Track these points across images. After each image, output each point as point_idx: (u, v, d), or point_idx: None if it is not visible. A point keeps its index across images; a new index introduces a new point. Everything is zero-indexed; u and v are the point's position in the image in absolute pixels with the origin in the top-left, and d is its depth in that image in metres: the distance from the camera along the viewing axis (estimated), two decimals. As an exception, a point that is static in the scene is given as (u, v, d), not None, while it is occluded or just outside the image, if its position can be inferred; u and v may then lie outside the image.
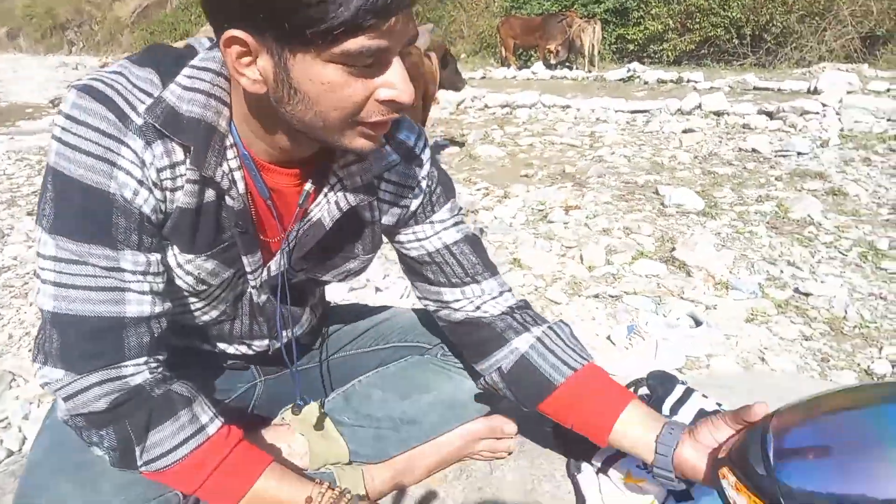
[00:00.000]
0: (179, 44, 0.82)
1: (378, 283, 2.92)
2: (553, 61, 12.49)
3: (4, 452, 1.92)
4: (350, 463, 1.02)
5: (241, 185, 0.79)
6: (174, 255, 0.81)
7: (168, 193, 0.76)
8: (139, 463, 0.77)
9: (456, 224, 0.98)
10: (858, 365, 2.21)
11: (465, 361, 1.05)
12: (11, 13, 34.10)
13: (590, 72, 11.40)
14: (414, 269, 1.00)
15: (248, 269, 0.87)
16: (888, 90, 7.26)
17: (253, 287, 0.90)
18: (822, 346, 2.33)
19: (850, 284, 2.77)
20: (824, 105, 6.34)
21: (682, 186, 4.18)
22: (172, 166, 0.75)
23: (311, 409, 1.02)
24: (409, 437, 1.04)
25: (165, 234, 0.79)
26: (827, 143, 5.23)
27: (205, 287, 0.85)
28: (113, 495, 0.79)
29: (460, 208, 1.01)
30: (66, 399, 0.75)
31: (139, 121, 0.72)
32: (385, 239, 1.00)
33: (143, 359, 0.77)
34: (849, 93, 6.85)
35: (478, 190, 4.58)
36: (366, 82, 0.68)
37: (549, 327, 0.98)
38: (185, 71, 0.75)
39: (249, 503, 0.79)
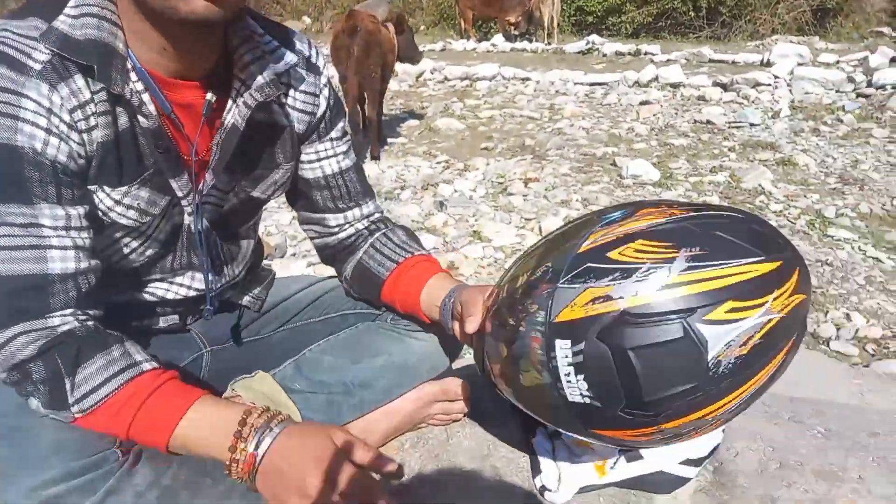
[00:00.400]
0: None
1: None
2: (514, 32, 12.43)
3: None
4: (304, 432, 1.02)
5: (150, 105, 0.79)
6: (107, 195, 0.81)
7: (85, 135, 0.76)
8: (70, 401, 0.74)
9: (348, 149, 1.06)
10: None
11: (413, 321, 1.08)
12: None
13: (549, 44, 11.39)
14: (304, 193, 1.05)
15: (179, 193, 0.87)
16: (837, 62, 7.44)
17: (189, 214, 0.90)
18: (771, 310, 2.41)
19: (799, 251, 2.86)
20: (776, 77, 6.48)
21: (639, 158, 4.24)
22: (82, 106, 0.75)
23: (262, 378, 1.01)
24: (361, 402, 1.04)
25: (92, 176, 0.79)
26: (778, 114, 5.35)
27: (148, 218, 0.85)
28: (49, 453, 0.76)
29: (346, 131, 1.08)
30: None
31: (38, 66, 0.72)
32: None
33: (70, 310, 0.76)
34: (800, 65, 6.99)
35: (438, 163, 4.57)
36: None
37: (384, 233, 1.08)
38: (70, 4, 0.75)
39: (183, 435, 0.74)
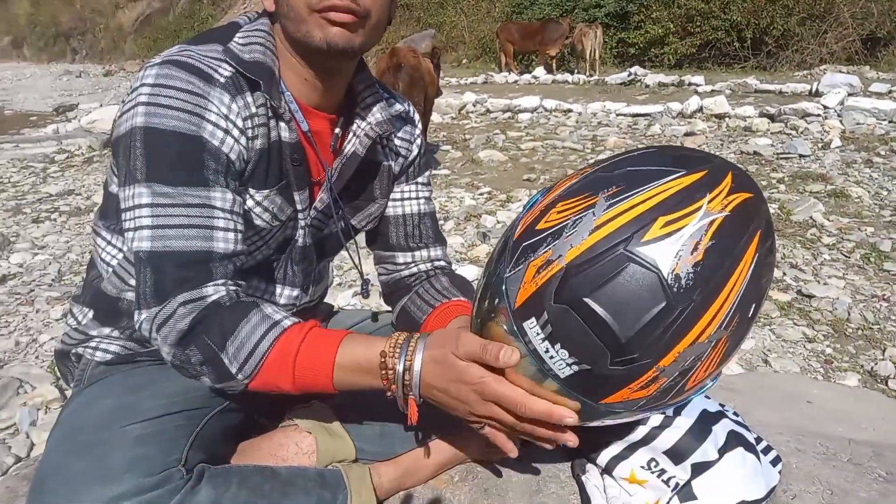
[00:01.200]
0: (222, 21, 0.92)
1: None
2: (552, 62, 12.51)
3: (13, 459, 1.94)
4: (357, 461, 1.03)
5: (293, 122, 0.93)
6: (251, 196, 0.91)
7: (250, 141, 0.88)
8: (234, 372, 0.81)
9: (429, 197, 1.16)
10: (862, 367, 2.22)
11: None
12: (15, 22, 34.32)
13: (591, 76, 11.43)
14: (382, 229, 1.14)
15: (298, 206, 0.97)
16: (890, 92, 7.27)
17: (302, 226, 0.99)
18: (825, 348, 2.34)
19: (853, 286, 2.78)
20: (825, 107, 6.36)
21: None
22: (251, 117, 0.88)
23: (319, 408, 1.03)
24: (414, 435, 1.05)
25: (246, 177, 0.90)
26: (829, 145, 5.24)
27: (277, 223, 0.95)
28: (122, 470, 0.80)
29: (430, 180, 1.18)
30: (158, 329, 0.82)
31: (222, 79, 0.85)
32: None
33: (223, 281, 0.85)
34: (850, 95, 6.86)
35: (480, 194, 4.60)
36: None
37: (430, 279, 1.13)
38: (239, 34, 0.90)
39: (339, 380, 0.82)
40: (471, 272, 3.05)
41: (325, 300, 1.25)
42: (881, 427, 1.29)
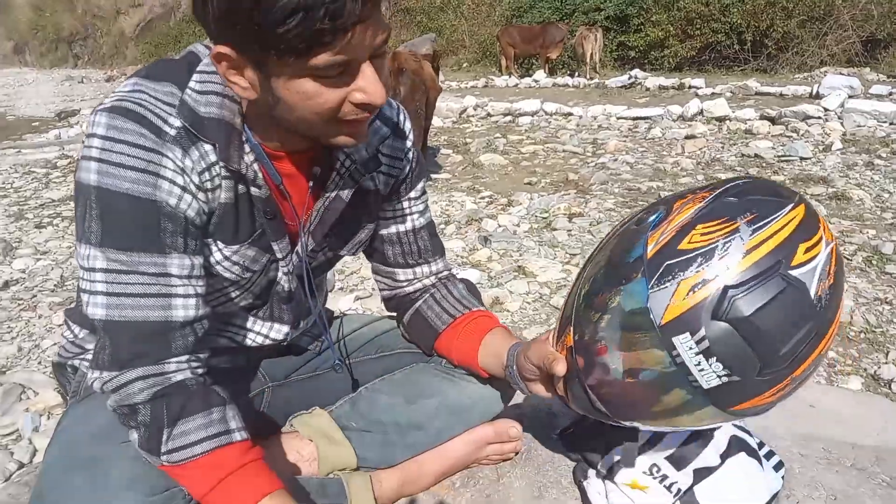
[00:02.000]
0: (182, 52, 0.87)
1: (383, 292, 2.94)
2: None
3: (16, 465, 1.94)
4: (358, 468, 1.03)
5: (261, 176, 0.85)
6: (219, 250, 0.87)
7: (210, 194, 0.82)
8: (162, 450, 0.78)
9: (424, 209, 1.11)
10: (865, 370, 2.22)
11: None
12: (17, 27, 34.39)
13: (591, 79, 11.44)
14: (378, 248, 1.10)
15: (278, 255, 0.92)
16: (890, 94, 7.27)
17: (284, 273, 0.95)
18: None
19: (856, 289, 2.77)
20: (826, 110, 6.36)
21: (686, 192, 4.19)
22: (209, 168, 0.81)
23: (319, 415, 1.03)
24: (415, 443, 1.05)
25: (210, 232, 0.85)
26: (830, 147, 5.24)
27: (250, 274, 0.91)
28: (122, 487, 0.79)
29: (425, 189, 1.13)
30: (112, 391, 0.79)
31: (173, 131, 0.78)
32: None
33: (186, 357, 0.82)
34: (850, 97, 6.86)
35: (482, 198, 4.60)
36: (338, 90, 0.74)
37: (445, 285, 1.12)
38: (196, 76, 0.80)
39: None
40: (472, 276, 3.05)
41: (328, 310, 1.24)
42: (884, 431, 1.28)
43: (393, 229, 1.07)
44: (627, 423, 0.87)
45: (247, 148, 0.83)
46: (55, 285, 3.37)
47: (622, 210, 4.07)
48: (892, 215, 3.66)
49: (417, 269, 1.10)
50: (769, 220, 0.76)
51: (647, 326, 0.76)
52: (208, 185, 0.81)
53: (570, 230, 3.75)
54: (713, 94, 8.51)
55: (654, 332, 0.75)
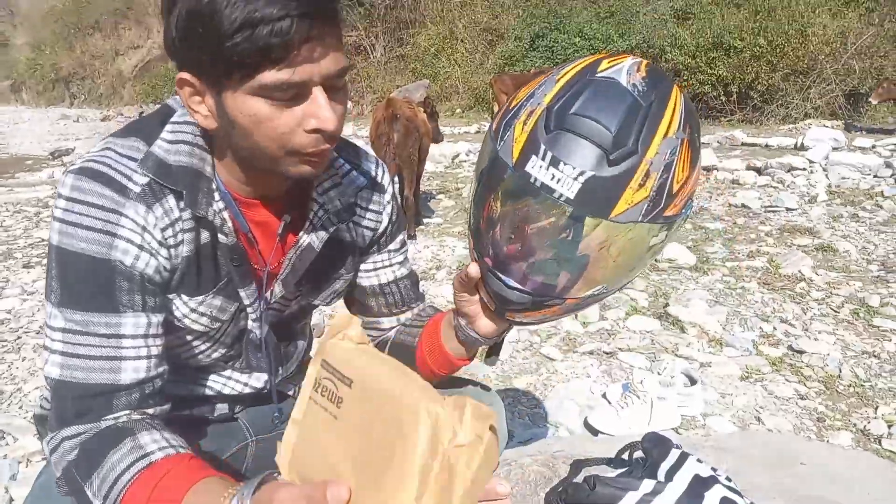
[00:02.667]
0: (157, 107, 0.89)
1: (373, 338, 2.92)
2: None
3: (-10, 515, 1.89)
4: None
5: (229, 223, 0.86)
6: (184, 303, 0.87)
7: (172, 250, 0.83)
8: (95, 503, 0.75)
9: (404, 259, 1.12)
10: (854, 425, 2.21)
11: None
12: (15, 66, 34.77)
13: (582, 127, 11.64)
14: (359, 300, 1.10)
15: (246, 301, 0.92)
16: (873, 146, 7.43)
17: (253, 320, 0.94)
18: (817, 405, 2.33)
19: (844, 342, 2.79)
20: (811, 161, 6.49)
21: (674, 241, 4.23)
22: (172, 224, 0.82)
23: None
24: None
25: (173, 287, 0.85)
26: (815, 198, 5.32)
27: (218, 324, 0.91)
28: None
29: (405, 241, 1.14)
30: (51, 453, 0.79)
31: (137, 188, 0.79)
32: None
33: (126, 412, 0.81)
34: (834, 149, 7.01)
35: (473, 244, 4.63)
36: (291, 112, 0.75)
37: (412, 310, 1.13)
38: (168, 127, 0.83)
39: None
40: (462, 323, 3.04)
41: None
42: (874, 489, 1.28)
43: (375, 281, 1.08)
44: (552, 299, 0.84)
45: (216, 196, 0.84)
46: (41, 326, 3.33)
47: (612, 258, 4.10)
48: (878, 267, 3.71)
49: (402, 317, 1.12)
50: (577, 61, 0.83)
51: (503, 173, 0.79)
52: (171, 241, 0.82)
53: (561, 277, 3.76)
54: (700, 143, 8.66)
55: (511, 172, 0.78)
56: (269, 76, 0.71)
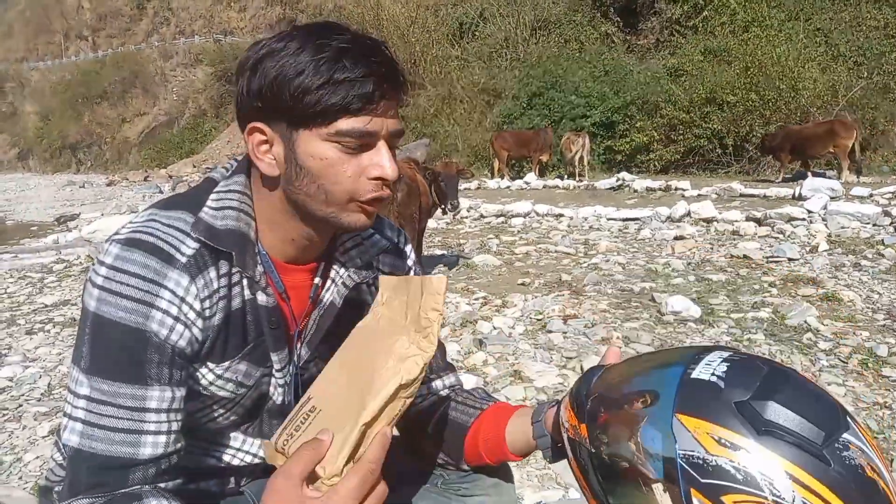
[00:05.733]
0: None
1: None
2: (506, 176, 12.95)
3: (-15, 593, 1.83)
4: None
5: (269, 286, 0.89)
6: (210, 371, 0.88)
7: (207, 321, 0.84)
8: None
9: None
10: (871, 478, 2.16)
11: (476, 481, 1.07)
12: (24, 135, 35.55)
13: (580, 181, 11.80)
14: None
15: (277, 365, 0.93)
16: (871, 195, 7.51)
17: (279, 385, 0.95)
18: (832, 458, 2.28)
19: (854, 393, 2.75)
20: (810, 211, 6.54)
21: (678, 294, 4.23)
22: (211, 295, 0.84)
23: None
24: None
25: (202, 357, 0.86)
26: (816, 248, 5.34)
27: (244, 390, 0.92)
28: None
29: None
30: None
31: (184, 258, 0.82)
32: None
33: (139, 486, 0.80)
34: (832, 199, 7.08)
35: (476, 299, 4.62)
36: (358, 160, 0.82)
37: (460, 392, 1.12)
38: (213, 196, 0.87)
39: None
40: (468, 381, 3.01)
41: None
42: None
43: None
44: None
45: (258, 259, 0.88)
46: (42, 394, 3.30)
47: (616, 311, 4.09)
48: (884, 316, 3.69)
49: (432, 385, 1.11)
50: None
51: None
52: (208, 312, 0.84)
53: (566, 332, 3.74)
54: (699, 195, 8.77)
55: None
56: (346, 123, 0.79)
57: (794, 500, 0.61)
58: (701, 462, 0.65)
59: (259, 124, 0.82)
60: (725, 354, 0.73)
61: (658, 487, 0.67)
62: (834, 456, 0.64)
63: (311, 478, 0.69)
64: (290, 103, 0.79)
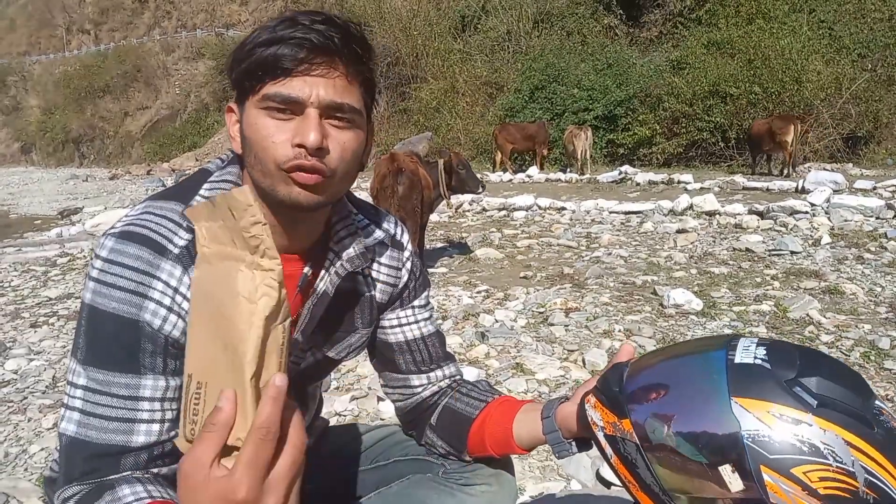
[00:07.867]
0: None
1: (379, 392, 2.90)
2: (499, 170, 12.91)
3: (-8, 582, 1.85)
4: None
5: None
6: None
7: None
8: None
9: (430, 316, 1.14)
10: (872, 470, 2.16)
11: (465, 475, 1.08)
12: (26, 129, 35.58)
13: (583, 174, 11.78)
14: (387, 357, 1.11)
15: None
16: (874, 188, 7.49)
17: None
18: (832, 450, 2.29)
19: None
20: (812, 205, 6.53)
21: (680, 287, 4.23)
22: None
23: None
24: None
25: None
26: (819, 241, 5.34)
27: None
28: None
29: (430, 299, 1.16)
30: None
31: (177, 249, 0.82)
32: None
33: (129, 472, 0.81)
34: (835, 192, 7.06)
35: (478, 293, 4.63)
36: (286, 126, 0.82)
37: (468, 383, 1.13)
38: (206, 186, 0.88)
39: None
40: (470, 373, 3.02)
41: (322, 418, 1.23)
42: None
43: (401, 337, 1.10)
44: None
45: None
46: (47, 386, 3.32)
47: (618, 304, 4.09)
48: (887, 309, 3.69)
49: (431, 375, 1.11)
50: None
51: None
52: None
53: (567, 325, 3.75)
54: (702, 188, 8.75)
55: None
56: (271, 87, 0.80)
57: (853, 465, 0.66)
58: (767, 439, 0.68)
59: (232, 104, 0.87)
60: (755, 340, 0.77)
61: (726, 469, 0.70)
62: (875, 420, 0.69)
63: (228, 450, 0.62)
64: (237, 73, 0.83)
